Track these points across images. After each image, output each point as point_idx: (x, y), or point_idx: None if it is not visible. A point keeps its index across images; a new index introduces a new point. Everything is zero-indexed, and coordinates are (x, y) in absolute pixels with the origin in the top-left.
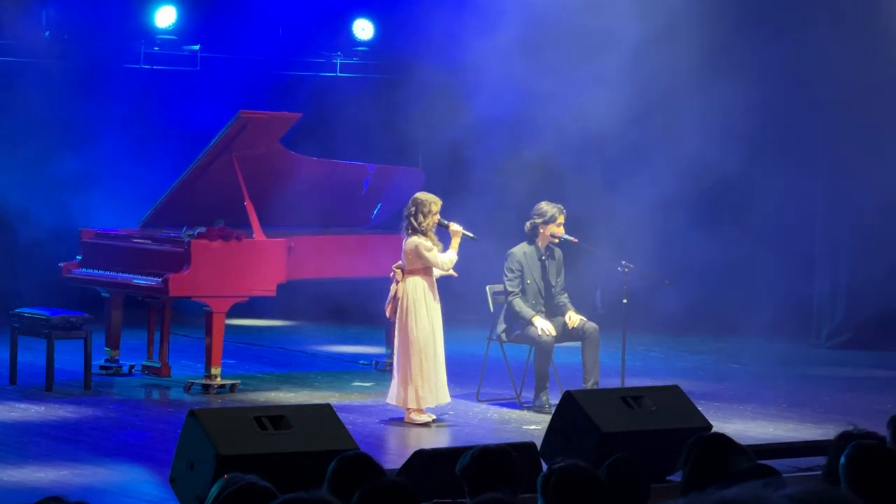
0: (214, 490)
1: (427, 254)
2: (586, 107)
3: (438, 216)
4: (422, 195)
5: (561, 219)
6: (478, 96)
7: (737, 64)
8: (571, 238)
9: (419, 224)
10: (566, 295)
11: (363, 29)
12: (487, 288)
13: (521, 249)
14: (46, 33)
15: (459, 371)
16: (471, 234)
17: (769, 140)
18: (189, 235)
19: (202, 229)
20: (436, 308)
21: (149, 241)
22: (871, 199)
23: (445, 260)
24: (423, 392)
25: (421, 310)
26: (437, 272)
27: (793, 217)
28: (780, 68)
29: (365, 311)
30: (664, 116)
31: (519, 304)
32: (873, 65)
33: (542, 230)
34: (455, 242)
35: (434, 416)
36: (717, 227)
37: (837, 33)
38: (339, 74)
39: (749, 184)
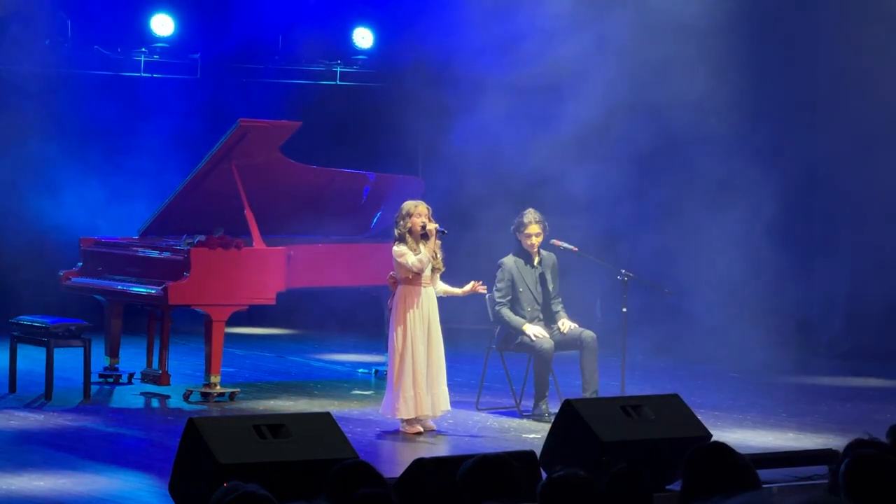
0: (214, 499)
1: (398, 259)
2: (581, 113)
3: (422, 219)
4: (406, 201)
5: (532, 228)
6: (478, 105)
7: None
8: (571, 247)
9: (397, 230)
10: (560, 302)
11: (363, 37)
12: (487, 297)
13: (511, 259)
14: (47, 41)
15: (460, 380)
16: (443, 230)
17: (762, 143)
18: (189, 244)
19: (202, 237)
20: (423, 318)
21: (148, 250)
22: (873, 207)
23: (413, 261)
24: (398, 403)
25: (401, 319)
26: (439, 288)
27: (793, 224)
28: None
29: (364, 320)
30: (665, 129)
31: (507, 313)
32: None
33: (519, 237)
34: (430, 243)
35: (421, 429)
36: (716, 234)
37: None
38: (339, 83)
39: (746, 190)
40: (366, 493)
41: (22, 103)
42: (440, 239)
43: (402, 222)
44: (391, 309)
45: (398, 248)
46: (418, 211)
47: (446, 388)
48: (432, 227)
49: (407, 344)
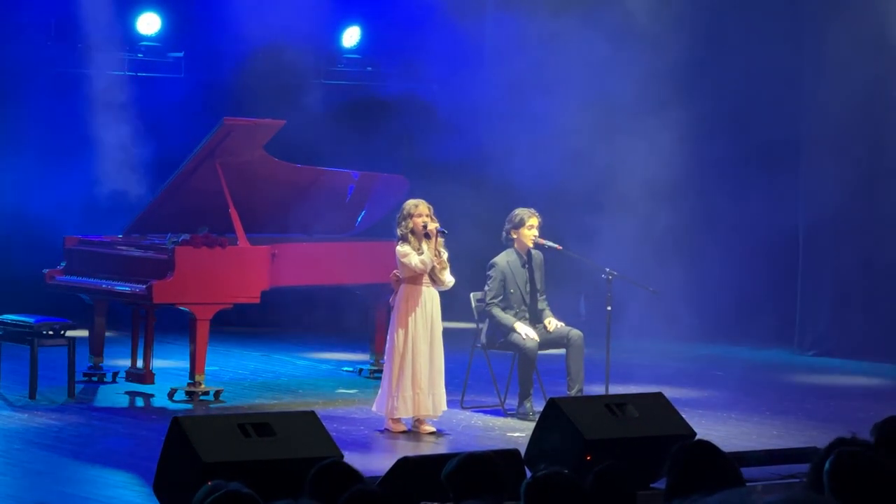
0: (198, 498)
1: (402, 259)
2: (570, 116)
3: (423, 219)
4: (407, 201)
5: (531, 221)
6: (462, 105)
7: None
8: (555, 245)
9: (399, 230)
10: (545, 299)
11: (350, 37)
12: (471, 295)
13: (503, 259)
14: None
15: (444, 379)
16: (443, 230)
17: (750, 146)
18: (173, 242)
19: (186, 236)
20: (426, 318)
21: (133, 248)
22: (854, 207)
23: (417, 262)
24: (397, 402)
25: (404, 319)
26: (448, 281)
27: (777, 225)
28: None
29: (349, 319)
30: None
31: (498, 312)
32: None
33: (514, 235)
34: (431, 243)
35: (406, 427)
36: (701, 234)
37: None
38: (324, 81)
39: (731, 191)
40: (358, 490)
41: (3, 103)
42: (441, 237)
43: (403, 223)
44: (393, 307)
45: (402, 249)
46: (419, 211)
47: (444, 390)
48: (433, 226)
49: (408, 344)
